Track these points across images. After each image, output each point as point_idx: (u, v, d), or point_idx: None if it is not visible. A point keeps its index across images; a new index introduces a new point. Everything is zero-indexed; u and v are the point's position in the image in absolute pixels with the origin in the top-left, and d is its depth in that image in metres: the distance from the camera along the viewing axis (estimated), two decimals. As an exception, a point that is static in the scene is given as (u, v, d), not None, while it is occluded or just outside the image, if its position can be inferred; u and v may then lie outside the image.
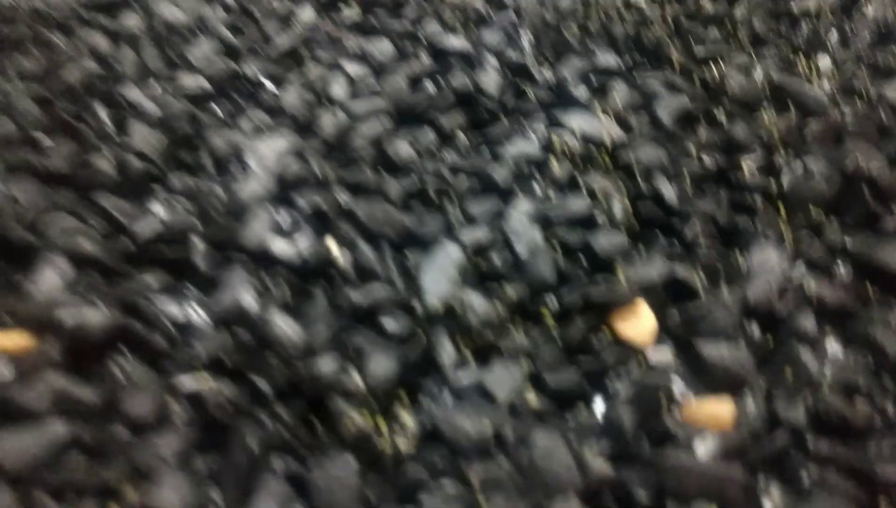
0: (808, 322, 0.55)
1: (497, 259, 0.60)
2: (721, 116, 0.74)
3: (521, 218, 0.62)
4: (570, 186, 0.68)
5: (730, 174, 0.69)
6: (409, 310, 0.56)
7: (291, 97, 0.74)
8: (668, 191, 0.65)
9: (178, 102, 0.71)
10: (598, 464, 0.47)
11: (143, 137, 0.67)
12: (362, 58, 0.80)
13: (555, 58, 0.82)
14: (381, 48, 0.80)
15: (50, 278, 0.56)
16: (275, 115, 0.73)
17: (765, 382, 0.52)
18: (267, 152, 0.66)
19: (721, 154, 0.70)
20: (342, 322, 0.55)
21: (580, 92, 0.77)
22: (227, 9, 0.85)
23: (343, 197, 0.64)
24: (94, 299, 0.54)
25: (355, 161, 0.67)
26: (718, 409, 0.51)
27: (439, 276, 0.58)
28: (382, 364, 0.52)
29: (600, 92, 0.78)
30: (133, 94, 0.71)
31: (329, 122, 0.70)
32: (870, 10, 0.89)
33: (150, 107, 0.70)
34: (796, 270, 0.59)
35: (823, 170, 0.66)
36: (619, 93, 0.76)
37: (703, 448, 0.48)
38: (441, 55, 0.81)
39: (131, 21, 0.81)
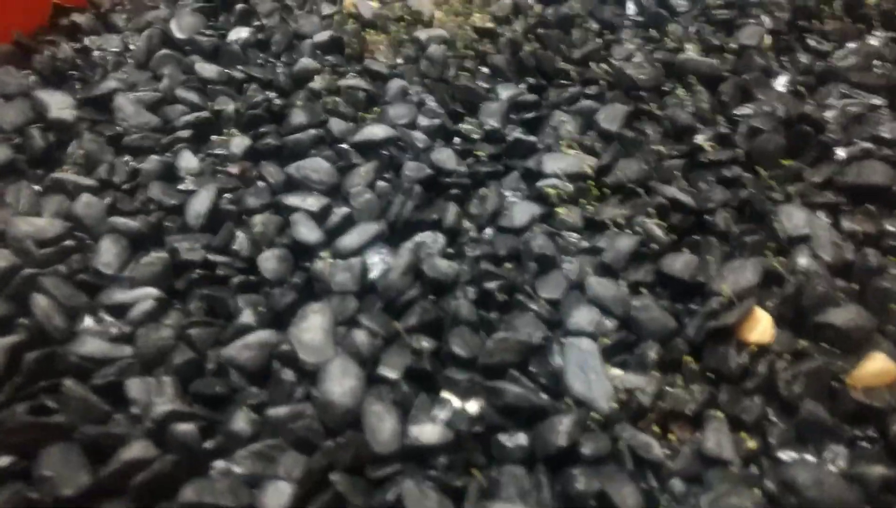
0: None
1: (615, 330, 0.58)
2: (651, 105, 0.78)
3: (597, 282, 0.60)
4: (593, 227, 0.67)
5: (695, 154, 0.73)
6: (586, 427, 0.52)
7: (270, 264, 0.62)
8: (682, 195, 0.68)
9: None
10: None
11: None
12: (300, 187, 0.70)
13: (468, 109, 0.80)
14: (315, 167, 0.70)
15: None
16: (264, 294, 0.61)
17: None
18: (312, 337, 0.56)
19: (675, 139, 0.75)
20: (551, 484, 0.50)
21: (521, 134, 0.75)
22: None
23: (424, 344, 0.56)
24: None
25: (402, 303, 0.59)
26: (876, 366, 0.56)
27: (590, 375, 0.54)
28: (632, 495, 0.48)
29: (536, 126, 0.78)
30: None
31: (341, 275, 0.61)
32: None
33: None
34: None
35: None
36: (557, 121, 0.76)
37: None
38: (370, 149, 0.73)
39: None
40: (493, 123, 0.77)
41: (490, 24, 0.91)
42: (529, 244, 0.63)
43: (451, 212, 0.67)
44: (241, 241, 0.65)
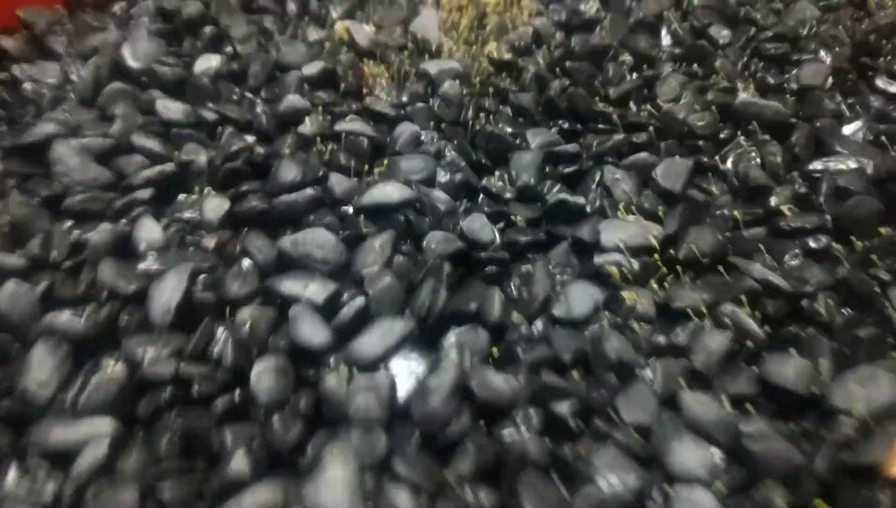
0: None
1: (723, 465, 0.45)
2: (715, 158, 0.66)
3: (694, 401, 0.47)
4: (668, 316, 0.54)
5: (773, 219, 0.61)
6: None
7: (265, 382, 0.47)
8: (775, 277, 0.55)
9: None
10: None
11: None
12: (298, 268, 0.55)
13: (494, 160, 0.66)
14: (318, 241, 0.55)
15: None
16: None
17: None
18: (335, 498, 0.41)
19: (746, 200, 0.63)
20: None
21: (566, 194, 0.62)
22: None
23: (482, 498, 0.42)
24: None
25: (449, 438, 0.45)
26: None
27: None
28: None
29: (578, 182, 0.64)
30: None
31: (362, 396, 0.46)
32: None
33: None
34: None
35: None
36: (610, 178, 0.63)
37: None
38: (382, 213, 0.59)
39: None
40: (526, 178, 0.64)
41: (509, 56, 0.78)
42: (602, 346, 0.50)
43: (496, 301, 0.53)
44: (223, 343, 0.49)
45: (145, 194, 0.59)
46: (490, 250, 0.57)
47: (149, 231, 0.56)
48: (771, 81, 0.74)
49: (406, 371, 0.48)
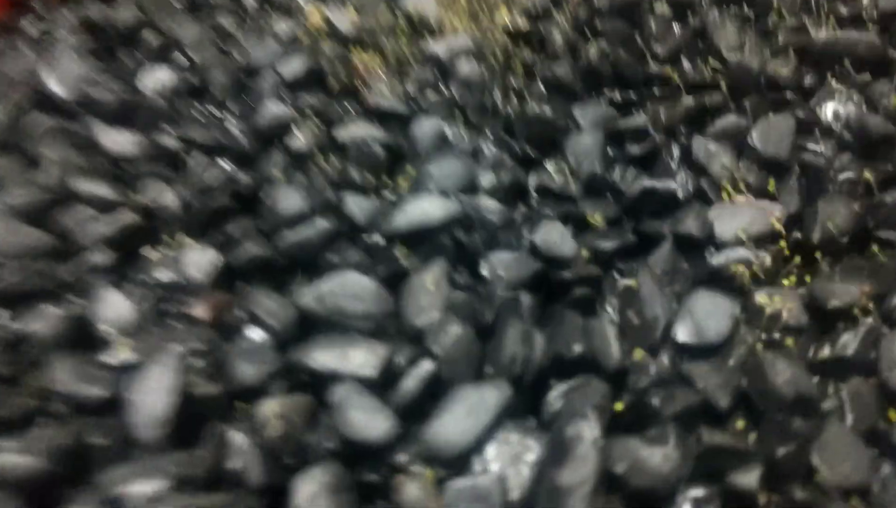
0: None
1: None
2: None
3: None
4: (823, 321, 0.41)
5: None
6: None
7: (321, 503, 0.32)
8: None
9: None
10: None
11: None
12: (331, 330, 0.40)
13: (543, 145, 0.52)
14: (353, 289, 0.41)
15: None
16: None
17: None
18: None
19: (864, 157, 0.50)
20: None
21: (650, 181, 0.48)
22: None
23: None
24: None
25: None
26: None
27: None
28: None
29: (652, 162, 0.51)
30: None
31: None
32: None
33: None
34: None
35: None
36: (701, 152, 0.49)
37: None
38: (421, 238, 0.45)
39: None
40: (590, 166, 0.50)
41: (525, 23, 0.64)
42: (767, 379, 0.36)
43: (607, 336, 0.39)
44: (244, 455, 0.34)
45: (101, 257, 0.44)
46: (575, 267, 0.43)
47: (113, 307, 0.41)
48: (844, 11, 0.62)
49: (512, 461, 0.34)
